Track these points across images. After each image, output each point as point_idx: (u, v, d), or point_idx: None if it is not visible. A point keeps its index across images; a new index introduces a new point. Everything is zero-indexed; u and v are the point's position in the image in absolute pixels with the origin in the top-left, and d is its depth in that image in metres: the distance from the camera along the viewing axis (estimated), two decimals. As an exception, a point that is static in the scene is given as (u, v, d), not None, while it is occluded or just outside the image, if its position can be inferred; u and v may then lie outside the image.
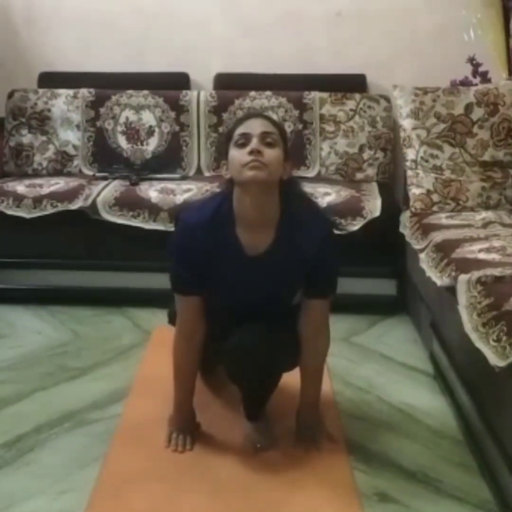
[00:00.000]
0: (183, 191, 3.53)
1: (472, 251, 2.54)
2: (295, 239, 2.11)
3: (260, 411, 2.31)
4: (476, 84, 3.67)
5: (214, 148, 4.03)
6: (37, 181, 3.73)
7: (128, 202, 3.48)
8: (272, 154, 2.02)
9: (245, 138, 2.03)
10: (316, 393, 2.30)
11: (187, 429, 2.27)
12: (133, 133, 4.06)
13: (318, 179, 3.85)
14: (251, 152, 2.00)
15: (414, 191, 3.30)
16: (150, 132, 4.05)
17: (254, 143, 2.01)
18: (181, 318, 2.20)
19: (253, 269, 2.12)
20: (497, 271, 2.22)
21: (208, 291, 2.17)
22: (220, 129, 4.00)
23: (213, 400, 2.57)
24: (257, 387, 2.25)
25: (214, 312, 2.21)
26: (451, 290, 2.35)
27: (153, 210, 3.44)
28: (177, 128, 4.05)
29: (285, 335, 2.18)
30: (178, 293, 2.18)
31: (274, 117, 2.42)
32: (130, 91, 4.08)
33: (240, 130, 2.06)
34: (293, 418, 2.33)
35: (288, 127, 3.94)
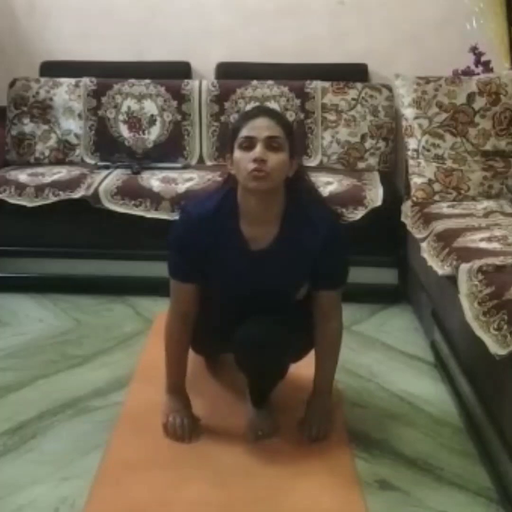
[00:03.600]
0: (185, 180, 3.53)
1: (474, 240, 2.55)
2: (299, 233, 2.10)
3: (266, 398, 2.32)
4: (478, 74, 3.66)
5: (216, 137, 4.03)
6: (39, 170, 3.73)
7: (130, 191, 3.48)
8: (276, 160, 2.01)
9: (250, 142, 2.01)
10: (328, 380, 2.29)
11: (183, 413, 2.26)
12: (135, 122, 4.05)
13: (320, 168, 3.85)
14: (255, 160, 1.99)
15: (416, 180, 3.31)
16: (152, 121, 4.05)
17: (258, 150, 1.99)
18: (176, 302, 2.22)
19: (256, 263, 2.13)
20: (498, 260, 2.22)
21: (211, 283, 2.17)
22: (222, 118, 4.00)
23: (216, 388, 2.58)
24: (265, 377, 2.26)
25: (218, 303, 2.22)
26: (452, 279, 2.36)
27: (155, 199, 3.44)
28: (179, 117, 4.04)
29: (293, 326, 2.16)
30: (176, 280, 2.19)
31: (280, 112, 2.27)
32: (132, 80, 4.07)
33: (245, 131, 2.03)
34: (297, 407, 2.33)
35: (290, 117, 3.93)
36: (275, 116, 2.11)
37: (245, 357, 2.17)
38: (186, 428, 2.24)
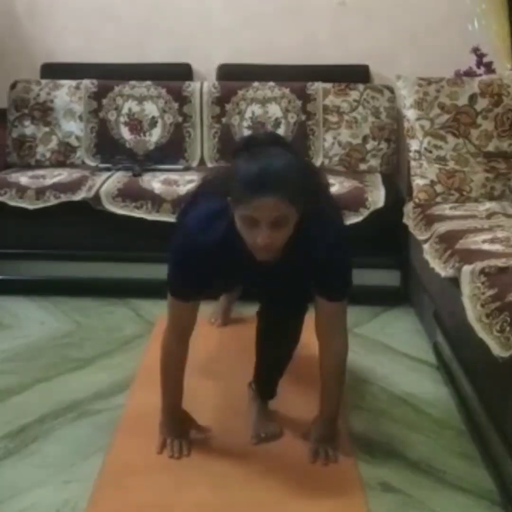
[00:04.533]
0: (186, 182, 3.53)
1: (476, 242, 2.54)
2: (299, 253, 2.02)
3: (274, 388, 2.34)
4: (480, 75, 3.66)
5: (217, 139, 4.02)
6: (40, 172, 3.73)
7: (131, 193, 3.47)
8: (283, 236, 1.88)
9: (254, 220, 1.84)
10: (334, 405, 2.21)
11: (181, 433, 2.23)
12: (136, 124, 4.05)
13: (322, 170, 3.84)
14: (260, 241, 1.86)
15: (418, 182, 3.30)
16: (153, 123, 4.04)
17: (263, 234, 1.83)
18: (176, 320, 2.16)
19: (262, 277, 2.10)
20: (500, 262, 2.21)
21: (215, 287, 2.18)
22: (223, 120, 4.00)
23: (218, 391, 2.58)
24: (285, 339, 2.30)
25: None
26: (455, 281, 2.35)
27: (156, 201, 3.44)
28: (180, 119, 4.04)
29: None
30: (178, 300, 2.13)
31: (285, 174, 1.84)
32: (132, 82, 4.07)
33: (247, 210, 1.83)
34: (299, 410, 2.33)
35: (291, 118, 3.94)
36: (281, 188, 1.82)
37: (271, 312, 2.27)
38: (183, 450, 2.19)
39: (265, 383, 2.37)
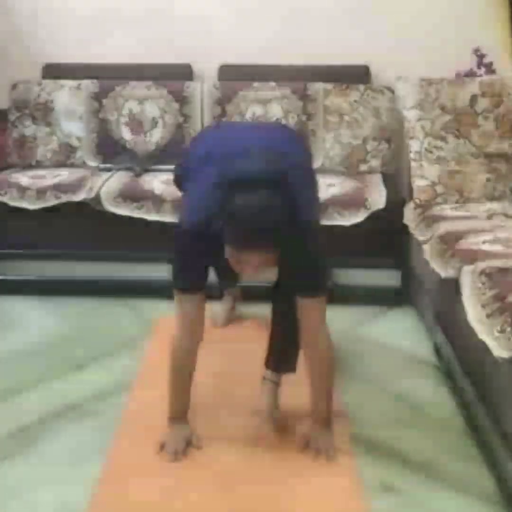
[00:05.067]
0: (187, 182, 3.53)
1: (477, 242, 2.54)
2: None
3: (291, 360, 2.40)
4: (481, 75, 3.66)
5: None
6: (41, 172, 3.73)
7: (132, 194, 3.47)
8: (268, 267, 2.03)
9: (242, 261, 1.99)
10: (326, 405, 2.25)
11: (184, 442, 2.22)
12: (137, 125, 4.04)
13: (322, 170, 3.83)
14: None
15: (418, 182, 3.30)
16: (154, 124, 4.04)
17: (250, 271, 2.00)
18: (186, 317, 2.18)
19: None
20: (501, 263, 2.22)
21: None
22: (224, 120, 3.99)
23: (217, 393, 2.58)
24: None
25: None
26: (455, 281, 2.35)
27: (157, 201, 3.43)
28: (180, 119, 4.03)
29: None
30: (187, 293, 2.15)
31: (272, 222, 1.92)
32: (133, 83, 4.05)
33: (237, 254, 1.97)
34: (300, 410, 2.34)
35: (292, 119, 3.93)
36: (267, 245, 1.95)
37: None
38: (183, 451, 2.19)
39: (281, 353, 2.41)
